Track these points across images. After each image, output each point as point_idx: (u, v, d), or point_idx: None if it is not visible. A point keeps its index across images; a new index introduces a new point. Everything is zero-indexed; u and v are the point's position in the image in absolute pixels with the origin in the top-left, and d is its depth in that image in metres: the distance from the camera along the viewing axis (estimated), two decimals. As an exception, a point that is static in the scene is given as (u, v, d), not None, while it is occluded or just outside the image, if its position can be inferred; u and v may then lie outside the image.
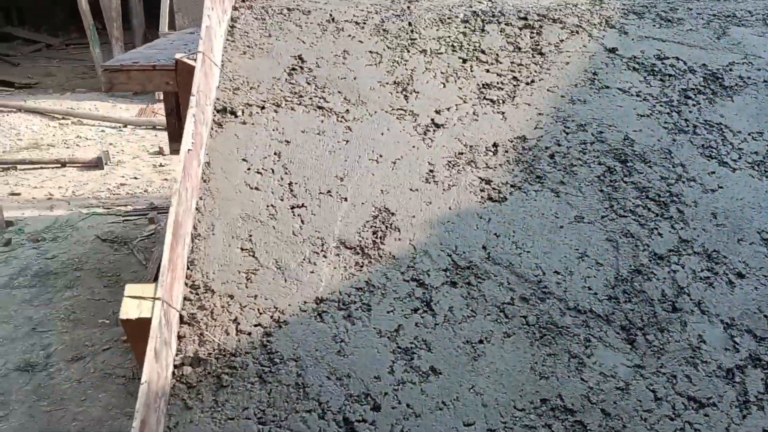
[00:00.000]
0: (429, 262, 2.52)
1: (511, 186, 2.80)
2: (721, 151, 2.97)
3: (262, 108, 3.09)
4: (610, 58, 3.44)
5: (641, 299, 2.43)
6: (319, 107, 3.13)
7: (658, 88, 3.27)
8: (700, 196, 2.79)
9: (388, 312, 2.36)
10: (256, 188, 2.74)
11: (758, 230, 2.66)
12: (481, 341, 2.30)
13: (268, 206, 2.68)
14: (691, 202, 2.76)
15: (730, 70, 3.37)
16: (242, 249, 2.52)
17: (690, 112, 3.15)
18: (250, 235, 2.57)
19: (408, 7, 3.75)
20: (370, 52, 3.44)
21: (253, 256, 2.50)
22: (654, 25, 3.66)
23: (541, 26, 3.62)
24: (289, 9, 3.71)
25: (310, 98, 3.16)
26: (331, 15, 3.65)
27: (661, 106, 3.18)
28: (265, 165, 2.84)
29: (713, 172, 2.89)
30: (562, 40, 3.53)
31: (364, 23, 3.61)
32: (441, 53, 3.45)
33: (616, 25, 3.66)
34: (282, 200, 2.71)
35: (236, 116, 3.02)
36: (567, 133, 3.05)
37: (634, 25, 3.66)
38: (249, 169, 2.81)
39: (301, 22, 3.61)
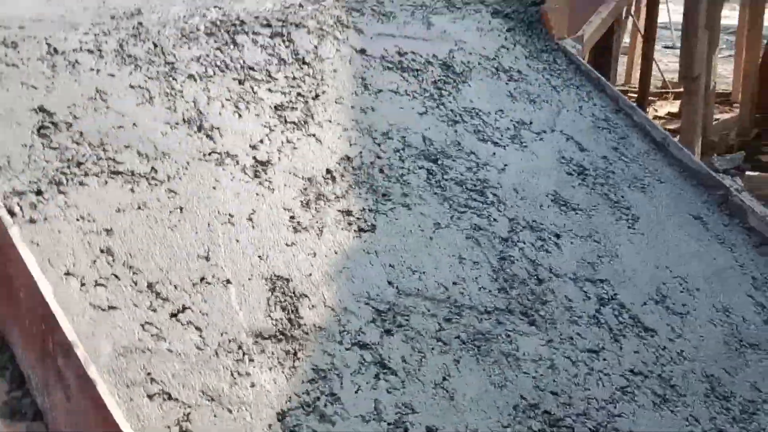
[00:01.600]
0: (355, 319, 2.23)
1: (370, 211, 2.64)
2: (488, 133, 3.33)
3: (41, 193, 2.14)
4: (366, 60, 3.42)
5: (518, 282, 2.65)
6: (116, 173, 2.33)
7: (416, 83, 3.42)
8: (498, 177, 3.11)
9: (355, 393, 2.04)
10: (112, 307, 1.95)
11: (546, 194, 3.13)
12: (445, 378, 2.20)
13: (143, 326, 1.95)
14: (496, 183, 3.06)
15: (453, 57, 3.72)
16: (150, 396, 1.80)
17: (450, 102, 3.41)
18: (150, 375, 1.84)
19: (138, 25, 2.99)
20: (132, 87, 2.67)
21: (172, 398, 1.82)
22: (378, 22, 3.75)
23: (289, 33, 3.34)
24: (-19, 43, 2.57)
25: (95, 164, 2.32)
26: (50, 45, 2.67)
27: (428, 101, 3.34)
28: (101, 272, 2.02)
29: (494, 154, 3.23)
30: (316, 46, 3.34)
31: (101, 51, 2.75)
32: (211, 76, 2.90)
33: (349, 24, 3.62)
34: (155, 311, 1.99)
35: (15, 215, 2.03)
36: (379, 144, 2.97)
37: (362, 22, 3.69)
38: (84, 285, 1.96)
39: (14, 59, 2.55)
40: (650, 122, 3.91)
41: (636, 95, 7.71)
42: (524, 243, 2.79)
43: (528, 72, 3.90)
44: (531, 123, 3.53)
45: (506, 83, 3.73)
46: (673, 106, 8.38)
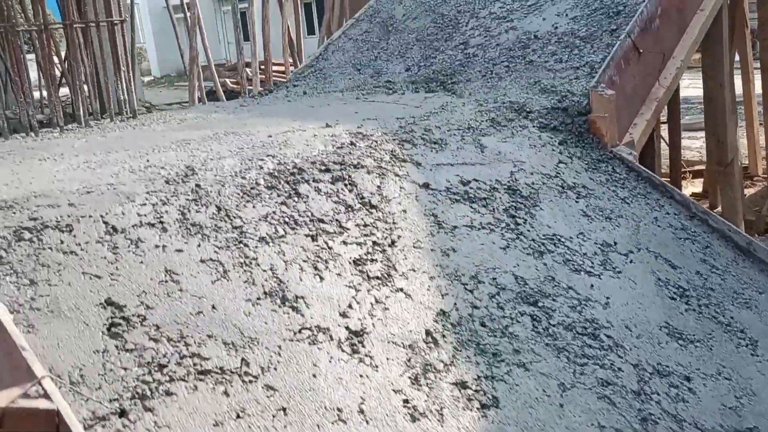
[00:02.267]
0: None
1: (486, 379, 2.31)
2: (578, 262, 3.07)
3: (125, 414, 1.80)
4: (432, 194, 3.20)
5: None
6: (204, 372, 2.00)
7: (489, 213, 3.19)
8: (605, 314, 2.81)
9: None
10: None
11: (659, 326, 2.83)
12: None
13: None
14: (606, 322, 2.76)
15: (516, 180, 3.52)
16: None
17: (528, 231, 3.17)
18: None
19: (197, 188, 2.76)
20: (203, 261, 2.39)
21: None
22: (432, 151, 3.58)
23: (349, 175, 3.13)
24: (34, 229, 2.30)
25: (179, 364, 2.00)
26: (107, 223, 2.41)
27: (506, 232, 3.10)
28: None
29: (592, 286, 2.95)
30: (379, 186, 3.12)
31: (163, 223, 2.49)
32: (282, 236, 2.64)
33: (404, 157, 3.44)
34: None
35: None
36: (471, 291, 2.69)
37: (417, 154, 3.51)
38: None
39: (72, 246, 2.28)
40: (729, 226, 3.69)
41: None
42: (659, 394, 2.45)
43: (593, 186, 3.71)
44: (615, 244, 3.28)
45: (576, 201, 3.52)
46: (695, 186, 8.27)
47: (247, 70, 14.95)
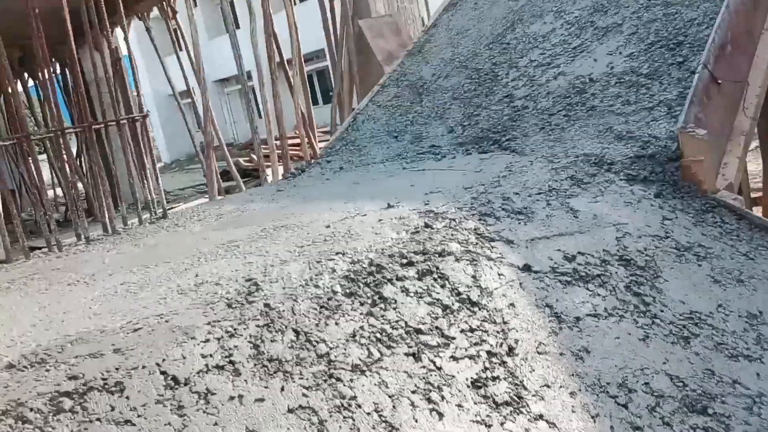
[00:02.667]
0: None
1: None
2: (730, 345, 2.49)
3: None
4: (538, 279, 2.67)
5: None
6: None
7: (609, 294, 2.65)
8: (788, 410, 2.22)
9: None
10: None
11: None
12: None
13: None
14: (796, 423, 2.16)
15: (626, 248, 3.00)
16: None
17: (661, 311, 2.61)
18: None
19: (266, 309, 2.26)
20: (292, 410, 1.86)
21: None
22: (518, 223, 3.08)
23: (436, 267, 2.62)
24: (75, 393, 1.80)
25: None
26: (166, 374, 1.90)
27: (638, 316, 2.55)
28: None
29: (758, 375, 2.37)
30: (474, 277, 2.61)
31: (234, 363, 1.98)
32: (379, 359, 2.12)
33: (491, 235, 2.93)
34: None
35: None
36: (625, 405, 2.12)
37: (504, 229, 3.01)
38: None
39: (125, 412, 1.77)
40: None
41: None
42: None
43: (709, 243, 3.16)
44: (761, 313, 2.71)
45: (698, 265, 2.97)
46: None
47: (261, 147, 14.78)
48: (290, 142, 11.37)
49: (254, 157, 14.25)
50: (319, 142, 10.41)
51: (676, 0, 4.97)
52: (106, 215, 4.31)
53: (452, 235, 2.87)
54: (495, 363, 2.20)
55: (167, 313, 2.27)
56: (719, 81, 4.05)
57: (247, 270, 2.66)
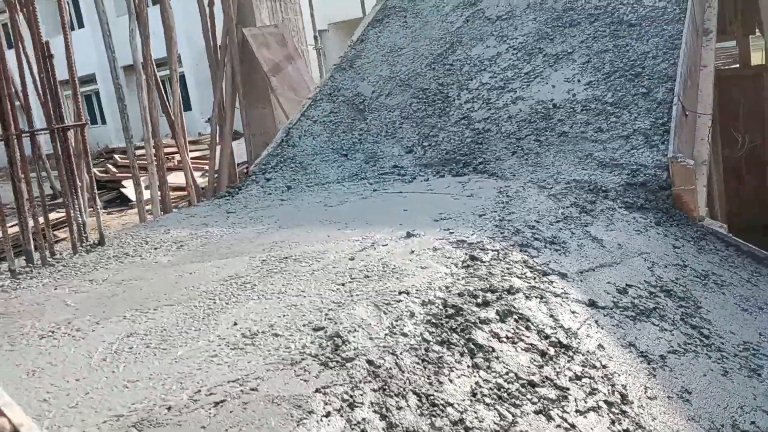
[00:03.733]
0: None
1: None
2: (792, 375, 2.55)
3: None
4: (607, 314, 2.57)
5: None
6: None
7: (675, 329, 2.62)
8: None
9: None
10: None
11: None
12: None
13: None
14: None
15: (661, 278, 3.00)
16: None
17: (722, 343, 2.62)
18: None
19: (371, 367, 1.91)
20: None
21: None
22: (558, 254, 2.97)
23: (511, 306, 2.42)
24: None
25: None
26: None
27: (709, 351, 2.53)
28: None
29: (828, 404, 2.44)
30: (552, 316, 2.44)
31: (372, 441, 1.63)
32: (512, 423, 1.86)
33: (544, 268, 2.79)
34: None
35: None
36: (749, 449, 2.06)
37: (550, 261, 2.88)
38: None
39: None
40: None
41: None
42: None
43: (720, 271, 3.28)
44: (796, 341, 2.83)
45: (722, 293, 3.06)
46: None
47: (117, 156, 13.45)
48: (168, 150, 10.49)
49: (111, 167, 13.00)
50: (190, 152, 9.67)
51: (624, 33, 5.23)
52: (31, 242, 3.57)
53: (507, 269, 2.68)
54: (617, 413, 2.04)
55: (244, 378, 1.84)
56: (687, 113, 4.29)
57: (300, 314, 2.27)
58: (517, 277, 2.62)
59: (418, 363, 1.97)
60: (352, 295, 2.42)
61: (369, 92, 6.15)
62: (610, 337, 2.40)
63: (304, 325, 2.18)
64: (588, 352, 2.28)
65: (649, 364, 2.33)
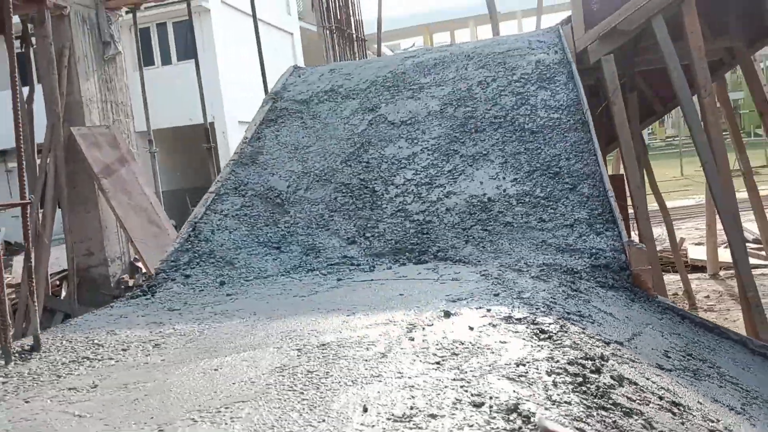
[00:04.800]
0: None
1: None
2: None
3: None
4: (679, 376, 2.67)
5: None
6: None
7: (723, 386, 2.80)
8: None
9: None
10: None
11: None
12: None
13: None
14: None
15: (667, 341, 3.22)
16: None
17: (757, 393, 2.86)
18: None
19: None
20: None
21: None
22: (596, 326, 3.05)
23: (618, 375, 2.41)
24: None
25: None
26: None
27: (764, 409, 2.74)
28: None
29: None
30: (648, 378, 2.48)
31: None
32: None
33: (603, 338, 2.84)
34: None
35: None
36: None
37: (597, 331, 2.95)
38: None
39: None
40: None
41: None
42: None
43: (704, 339, 3.63)
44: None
45: (720, 354, 3.37)
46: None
47: None
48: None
49: None
50: None
51: (530, 138, 5.82)
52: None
53: (579, 339, 2.69)
54: (764, 463, 2.09)
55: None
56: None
57: (439, 394, 2.02)
58: (595, 345, 2.63)
59: (605, 428, 1.85)
60: (465, 372, 2.22)
61: (284, 186, 5.99)
62: (699, 395, 2.49)
63: (454, 403, 1.94)
64: (697, 409, 2.33)
65: (738, 414, 2.44)
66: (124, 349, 3.08)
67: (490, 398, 1.95)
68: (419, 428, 1.79)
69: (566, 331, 2.74)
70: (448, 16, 33.99)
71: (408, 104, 6.84)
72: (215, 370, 2.57)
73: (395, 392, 2.06)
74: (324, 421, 1.90)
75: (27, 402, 2.41)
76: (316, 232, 5.30)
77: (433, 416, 1.86)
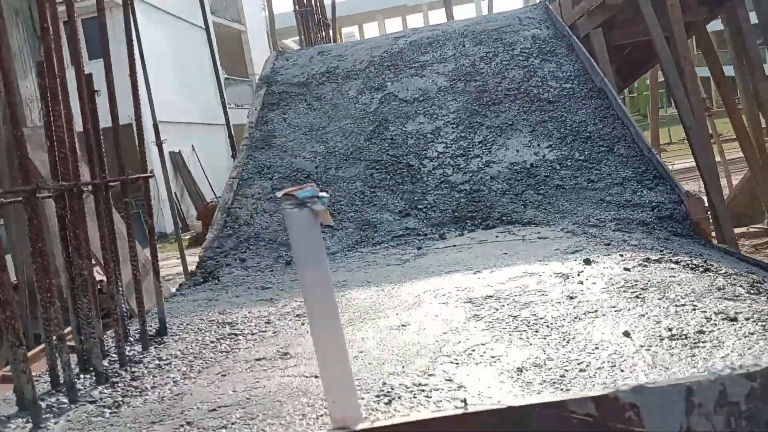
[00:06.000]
0: None
1: None
2: None
3: None
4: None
5: None
6: None
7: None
8: None
9: None
10: None
11: None
12: None
13: None
14: None
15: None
16: None
17: None
18: None
19: None
20: None
21: None
22: (711, 261, 3.28)
23: (785, 292, 2.62)
24: None
25: None
26: None
27: None
28: None
29: None
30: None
31: None
32: None
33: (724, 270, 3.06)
34: None
35: None
36: None
37: (714, 264, 3.17)
38: None
39: None
40: None
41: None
42: None
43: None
44: None
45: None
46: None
47: None
48: None
49: None
50: None
51: (550, 108, 6.05)
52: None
53: (717, 269, 2.89)
54: None
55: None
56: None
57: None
58: (740, 275, 2.84)
59: None
60: (677, 300, 2.36)
61: (312, 167, 5.93)
62: None
63: (708, 320, 2.07)
64: None
65: None
66: (267, 322, 3.01)
67: (736, 312, 2.09)
68: (701, 343, 1.90)
69: (711, 266, 2.94)
70: (401, 1, 34.12)
71: (414, 81, 6.91)
72: (403, 326, 2.57)
73: (645, 320, 2.16)
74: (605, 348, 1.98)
75: (225, 375, 2.33)
76: (363, 208, 5.29)
77: (701, 332, 1.98)
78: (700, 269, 2.81)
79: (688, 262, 2.97)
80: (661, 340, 1.96)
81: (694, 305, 2.24)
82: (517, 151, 5.52)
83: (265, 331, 2.87)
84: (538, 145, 5.54)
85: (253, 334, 2.86)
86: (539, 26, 7.40)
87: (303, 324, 2.87)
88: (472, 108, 6.29)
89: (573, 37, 6.85)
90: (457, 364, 2.02)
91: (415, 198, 5.27)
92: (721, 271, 2.74)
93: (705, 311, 2.16)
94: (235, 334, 2.90)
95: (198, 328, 3.10)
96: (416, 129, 6.18)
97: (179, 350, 2.77)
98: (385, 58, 7.51)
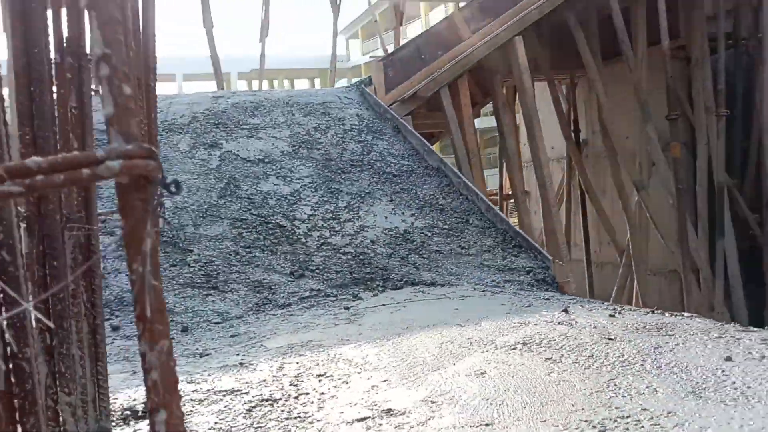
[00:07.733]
0: None
1: None
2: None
3: None
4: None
5: None
6: None
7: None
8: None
9: None
10: None
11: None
12: None
13: None
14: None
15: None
16: None
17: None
18: None
19: None
20: None
21: None
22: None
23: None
24: None
25: None
26: None
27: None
28: None
29: None
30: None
31: None
32: None
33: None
34: None
35: None
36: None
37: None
38: None
39: None
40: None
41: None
42: None
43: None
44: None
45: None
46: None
47: None
48: None
49: None
50: None
51: (398, 181, 6.46)
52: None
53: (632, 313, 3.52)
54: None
55: None
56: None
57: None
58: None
59: None
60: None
61: (162, 223, 5.30)
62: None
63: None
64: None
65: None
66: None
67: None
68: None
69: (620, 311, 3.53)
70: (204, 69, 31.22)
71: (253, 143, 6.73)
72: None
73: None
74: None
75: None
76: (244, 269, 4.86)
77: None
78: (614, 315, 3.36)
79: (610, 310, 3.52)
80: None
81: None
82: (386, 217, 5.74)
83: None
84: (402, 213, 5.85)
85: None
86: (359, 107, 7.88)
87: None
88: (324, 174, 6.35)
89: (400, 120, 7.46)
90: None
91: (300, 259, 5.05)
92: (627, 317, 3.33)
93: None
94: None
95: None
96: (273, 190, 5.98)
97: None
98: (209, 116, 7.15)
